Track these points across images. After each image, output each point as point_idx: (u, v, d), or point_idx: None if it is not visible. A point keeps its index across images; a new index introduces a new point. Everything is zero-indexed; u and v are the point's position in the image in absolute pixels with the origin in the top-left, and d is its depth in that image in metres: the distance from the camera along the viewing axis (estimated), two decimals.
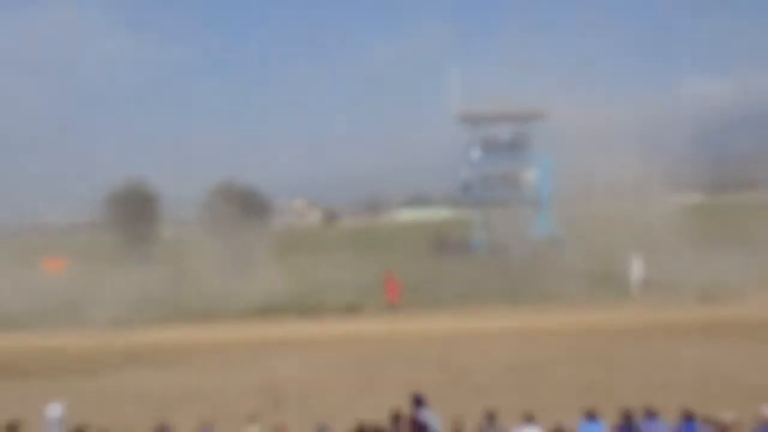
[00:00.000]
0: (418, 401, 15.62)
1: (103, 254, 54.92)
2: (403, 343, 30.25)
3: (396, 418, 15.12)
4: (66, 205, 78.77)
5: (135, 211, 71.61)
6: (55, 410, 15.91)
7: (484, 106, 64.42)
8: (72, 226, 75.10)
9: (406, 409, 15.42)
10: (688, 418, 14.24)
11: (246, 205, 77.99)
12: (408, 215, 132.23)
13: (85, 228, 70.91)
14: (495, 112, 64.18)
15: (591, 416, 14.58)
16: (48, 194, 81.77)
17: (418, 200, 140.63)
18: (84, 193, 76.49)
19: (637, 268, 39.90)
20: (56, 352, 34.24)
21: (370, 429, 14.66)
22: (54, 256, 46.36)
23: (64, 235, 67.47)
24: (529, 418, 14.73)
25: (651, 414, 14.61)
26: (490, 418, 14.84)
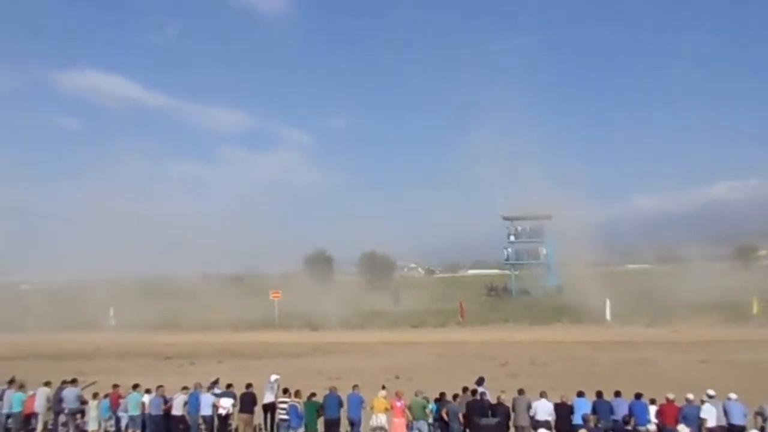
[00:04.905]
0: (480, 380, 15.22)
1: (304, 290, 55.18)
2: (469, 345, 29.42)
3: (465, 389, 14.84)
4: (284, 262, 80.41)
5: (320, 266, 72.92)
6: (273, 377, 16.03)
7: (516, 211, 63.54)
8: (285, 274, 75.63)
9: (471, 384, 14.95)
10: (638, 396, 13.70)
11: (380, 264, 78.80)
12: (473, 272, 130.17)
13: (293, 275, 71.22)
14: (522, 214, 63.39)
15: (581, 394, 13.95)
16: (275, 256, 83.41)
17: (480, 263, 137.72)
18: (294, 255, 78.34)
19: (608, 306, 38.26)
20: (272, 345, 34.61)
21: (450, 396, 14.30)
22: (276, 290, 47.26)
23: (280, 278, 68.32)
24: (542, 395, 14.09)
25: (617, 394, 13.90)
26: (520, 392, 14.26)
